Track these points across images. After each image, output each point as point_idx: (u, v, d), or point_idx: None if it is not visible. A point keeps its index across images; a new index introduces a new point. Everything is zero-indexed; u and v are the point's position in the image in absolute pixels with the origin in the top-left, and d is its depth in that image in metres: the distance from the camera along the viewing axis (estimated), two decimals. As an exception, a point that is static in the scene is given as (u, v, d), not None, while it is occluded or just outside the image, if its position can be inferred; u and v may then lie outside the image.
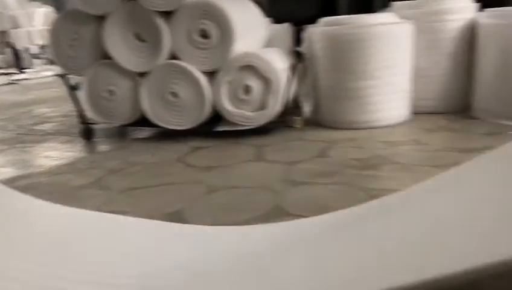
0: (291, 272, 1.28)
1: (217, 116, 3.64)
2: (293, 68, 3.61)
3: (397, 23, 3.60)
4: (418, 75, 3.71)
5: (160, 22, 3.46)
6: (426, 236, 1.15)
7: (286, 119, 3.67)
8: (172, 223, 1.90)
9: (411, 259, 1.04)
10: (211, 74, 3.54)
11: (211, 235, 1.69)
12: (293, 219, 1.92)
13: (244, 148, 3.29)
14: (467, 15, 3.69)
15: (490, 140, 3.04)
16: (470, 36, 3.69)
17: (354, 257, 1.24)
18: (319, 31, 3.65)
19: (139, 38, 3.57)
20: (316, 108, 3.86)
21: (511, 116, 3.31)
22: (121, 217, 1.91)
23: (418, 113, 3.77)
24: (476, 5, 3.75)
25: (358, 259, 1.21)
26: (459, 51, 3.73)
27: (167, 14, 3.49)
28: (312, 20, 3.88)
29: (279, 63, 3.55)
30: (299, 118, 3.70)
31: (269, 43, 4.06)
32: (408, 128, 3.55)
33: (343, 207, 1.81)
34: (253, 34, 3.84)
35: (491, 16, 3.51)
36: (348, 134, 3.41)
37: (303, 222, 1.77)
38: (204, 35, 3.45)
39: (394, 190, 1.79)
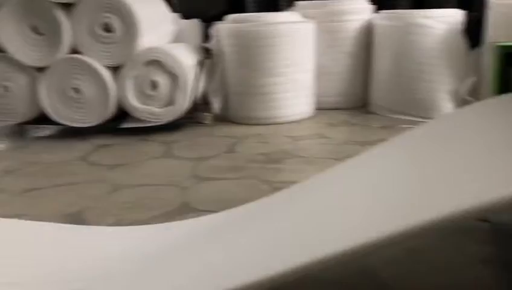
0: (192, 268, 1.29)
1: (123, 113, 3.54)
2: (201, 64, 3.61)
3: (300, 22, 3.74)
4: (321, 73, 3.89)
5: (60, 14, 3.29)
6: (326, 219, 1.22)
7: (195, 115, 3.67)
8: (70, 225, 1.82)
9: (309, 242, 1.11)
10: (116, 69, 3.43)
11: (110, 235, 1.65)
12: (200, 215, 1.93)
13: (152, 145, 3.24)
14: (364, 16, 3.94)
15: (385, 133, 3.27)
16: (367, 36, 3.94)
17: (257, 247, 1.29)
18: (226, 27, 3.69)
19: (36, 31, 3.36)
20: (225, 104, 3.90)
21: (402, 111, 3.59)
22: (14, 221, 1.80)
23: (321, 109, 3.95)
24: (372, 7, 4.01)
25: (261, 248, 1.25)
26: (358, 50, 3.96)
27: (67, 6, 3.32)
28: (221, 17, 3.91)
29: (186, 58, 3.53)
30: (208, 114, 3.72)
31: (177, 39, 4.02)
32: (312, 123, 3.71)
33: (248, 201, 1.86)
34: (159, 29, 3.78)
35: (385, 18, 3.77)
36: (256, 130, 3.49)
37: (206, 218, 1.79)
38: (108, 29, 3.33)
39: (296, 182, 1.86)
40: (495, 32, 3.41)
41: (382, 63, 3.78)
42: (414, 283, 1.58)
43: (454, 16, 3.62)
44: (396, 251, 1.81)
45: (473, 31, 3.77)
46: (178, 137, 3.39)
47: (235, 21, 3.69)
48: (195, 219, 1.83)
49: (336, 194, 1.35)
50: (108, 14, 3.30)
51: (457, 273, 1.63)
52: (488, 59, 3.54)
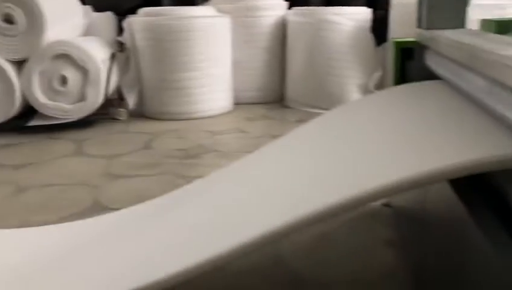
0: (103, 264, 1.26)
1: (30, 110, 3.33)
2: (114, 58, 3.49)
3: (215, 16, 3.74)
4: (238, 68, 3.92)
5: (-47, 3, 3.03)
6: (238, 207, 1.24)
7: (109, 111, 3.55)
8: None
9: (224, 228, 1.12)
10: (21, 64, 3.22)
11: (8, 237, 1.55)
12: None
13: (62, 143, 3.08)
14: (278, 12, 4.02)
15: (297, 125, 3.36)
16: (282, 32, 4.02)
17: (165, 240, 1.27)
18: (139, 21, 3.59)
19: None
20: (141, 99, 3.80)
21: (316, 105, 3.72)
22: None
23: (239, 103, 3.98)
24: (285, 3, 4.10)
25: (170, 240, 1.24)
26: (274, 45, 4.04)
27: (-38, -5, 3.06)
28: (135, 10, 3.80)
29: (98, 52, 3.39)
30: (122, 110, 3.61)
31: (88, 32, 3.85)
32: (230, 118, 3.73)
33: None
34: (68, 21, 3.60)
35: (297, 14, 3.87)
36: (173, 125, 3.45)
37: (115, 215, 1.74)
38: (9, 20, 3.12)
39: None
40: (397, 29, 3.63)
41: (296, 58, 3.89)
42: (325, 269, 1.65)
43: (362, 14, 3.81)
44: (308, 239, 1.88)
45: (379, 28, 4.00)
46: (90, 134, 3.26)
47: (148, 14, 3.61)
48: (98, 217, 1.76)
49: (241, 186, 1.38)
50: (9, 4, 3.08)
51: (365, 257, 1.73)
52: (391, 54, 3.77)
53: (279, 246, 1.73)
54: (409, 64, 1.80)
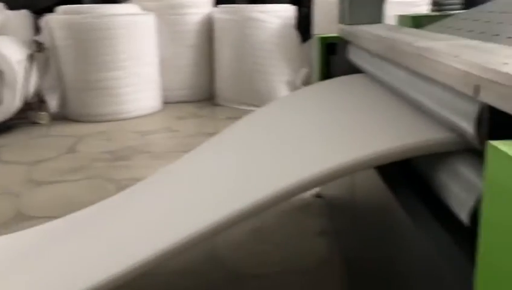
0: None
1: None
2: (32, 59, 3.30)
3: (139, 14, 3.64)
4: (166, 66, 3.85)
5: None
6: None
7: (29, 115, 3.35)
8: None
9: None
10: None
11: None
12: (38, 222, 1.77)
13: (-24, 151, 2.87)
14: (204, 9, 3.99)
15: (231, 123, 3.36)
16: (209, 30, 4.00)
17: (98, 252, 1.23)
18: (58, 19, 3.42)
19: None
20: (63, 101, 3.62)
21: (245, 102, 3.75)
22: None
23: (168, 102, 3.91)
24: (211, 1, 4.08)
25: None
26: (201, 43, 4.01)
27: None
28: (53, 8, 3.61)
29: (13, 53, 3.18)
30: (43, 113, 3.42)
31: (2, 32, 3.60)
32: (159, 117, 3.66)
33: (92, 202, 1.76)
34: (-22, 20, 3.35)
35: (223, 12, 3.87)
36: (99, 127, 3.31)
37: (43, 227, 1.65)
38: None
39: (145, 178, 1.81)
40: (320, 26, 3.74)
41: (223, 55, 3.89)
42: (260, 262, 1.67)
43: (287, 11, 3.88)
44: (241, 234, 1.89)
45: (303, 26, 4.10)
46: (8, 140, 3.05)
47: (67, 12, 3.44)
48: (33, 228, 1.67)
49: (176, 188, 1.36)
50: None
51: (298, 247, 1.77)
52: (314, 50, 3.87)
53: (212, 243, 1.72)
54: (333, 59, 1.86)
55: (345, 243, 1.59)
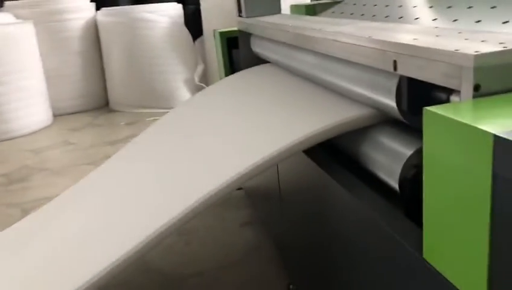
0: None
1: None
2: None
3: (14, 23, 3.36)
4: (52, 77, 3.61)
5: None
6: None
7: None
8: None
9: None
10: None
11: None
12: None
13: None
14: (86, 14, 3.80)
15: (132, 129, 3.27)
16: (95, 34, 3.82)
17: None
18: None
19: None
20: None
21: (143, 105, 3.66)
22: None
23: (60, 114, 3.68)
24: (92, 4, 3.90)
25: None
26: (88, 49, 3.81)
27: None
28: None
29: None
30: None
31: None
32: (53, 131, 3.43)
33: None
34: None
35: (108, 14, 3.72)
36: (-14, 149, 3.02)
37: None
38: None
39: (50, 197, 1.69)
40: (211, 22, 3.76)
41: (114, 60, 3.74)
42: (193, 261, 1.66)
43: (174, 10, 3.83)
44: (168, 237, 1.85)
45: (193, 23, 4.09)
46: None
47: None
48: None
49: (93, 205, 1.29)
50: None
51: (227, 240, 1.78)
52: (209, 46, 3.89)
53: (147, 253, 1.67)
54: (235, 53, 1.89)
55: (272, 229, 1.64)
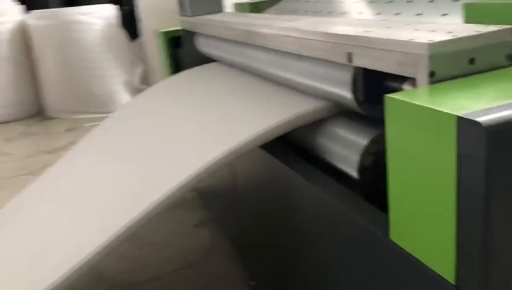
0: None
1: None
2: None
3: None
4: (-21, 85, 3.40)
5: None
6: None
7: None
8: None
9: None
10: None
11: None
12: None
13: None
14: (14, 17, 3.60)
15: (72, 135, 3.14)
16: (24, 38, 3.63)
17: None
18: None
19: None
20: None
21: (82, 111, 3.52)
22: None
23: (-10, 125, 3.48)
24: (21, 7, 3.70)
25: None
26: (17, 54, 3.62)
27: None
28: None
29: None
30: None
31: None
32: (-16, 143, 3.23)
33: None
34: None
35: (39, 18, 3.54)
36: None
37: None
38: None
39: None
40: (149, 22, 3.69)
41: (48, 65, 3.57)
42: (148, 267, 1.62)
43: (109, 11, 3.72)
44: (121, 245, 1.80)
45: (129, 24, 3.99)
46: None
47: None
48: None
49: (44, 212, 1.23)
50: None
51: (182, 243, 1.76)
52: (149, 47, 3.82)
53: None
54: (179, 52, 1.87)
55: (230, 227, 1.64)
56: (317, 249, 0.91)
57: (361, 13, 1.22)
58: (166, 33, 1.85)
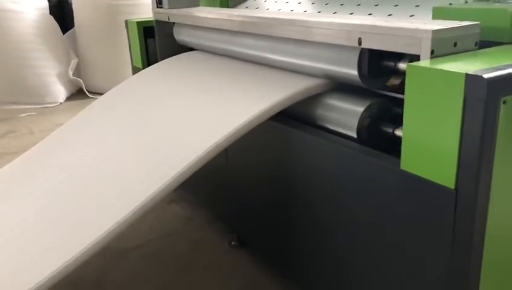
0: None
1: None
2: None
3: None
4: None
5: None
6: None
7: None
8: None
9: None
10: None
11: None
12: None
13: None
14: None
15: (6, 125, 3.05)
16: None
17: None
18: None
19: None
20: None
21: (15, 101, 3.43)
22: None
23: None
24: None
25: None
26: None
27: None
28: None
29: None
30: None
31: None
32: None
33: None
34: None
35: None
36: None
37: None
38: None
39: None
40: (83, 13, 3.69)
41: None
42: (131, 238, 1.74)
43: (40, 2, 3.66)
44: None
45: (58, 15, 3.93)
46: None
47: None
48: None
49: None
50: None
51: (157, 217, 1.89)
52: (82, 39, 3.81)
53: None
54: (151, 42, 2.01)
55: (206, 202, 1.82)
56: (330, 194, 1.14)
57: (335, 12, 1.50)
58: (140, 23, 1.98)
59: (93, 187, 1.23)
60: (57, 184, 1.31)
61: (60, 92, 3.62)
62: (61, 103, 3.61)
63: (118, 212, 1.07)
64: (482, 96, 0.74)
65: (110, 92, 1.73)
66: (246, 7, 1.93)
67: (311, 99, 1.22)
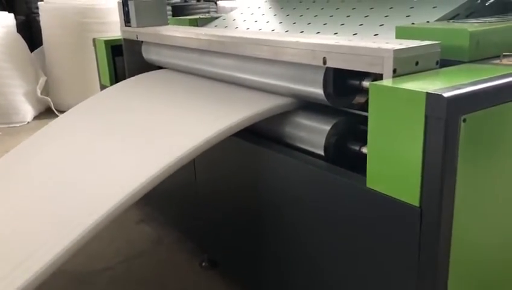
0: None
1: None
2: None
3: None
4: None
5: None
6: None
7: None
8: None
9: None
10: None
11: None
12: None
13: None
14: None
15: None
16: None
17: None
18: None
19: None
20: None
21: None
22: None
23: None
24: None
25: None
26: None
27: None
28: None
29: None
30: None
31: None
32: None
33: None
34: None
35: None
36: None
37: None
38: None
39: None
40: (53, 32, 3.64)
41: None
42: (99, 260, 1.69)
43: (6, 19, 3.59)
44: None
45: (25, 33, 3.87)
46: None
47: None
48: None
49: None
50: None
51: (126, 238, 1.85)
52: (51, 58, 3.75)
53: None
54: (118, 60, 1.99)
55: (184, 214, 1.78)
56: (298, 212, 1.13)
57: (302, 32, 1.52)
58: (108, 41, 1.96)
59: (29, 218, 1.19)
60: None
61: (28, 112, 3.54)
62: (28, 122, 3.53)
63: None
64: (443, 115, 0.75)
65: (69, 111, 1.70)
66: (215, 26, 1.94)
67: (279, 118, 1.22)
